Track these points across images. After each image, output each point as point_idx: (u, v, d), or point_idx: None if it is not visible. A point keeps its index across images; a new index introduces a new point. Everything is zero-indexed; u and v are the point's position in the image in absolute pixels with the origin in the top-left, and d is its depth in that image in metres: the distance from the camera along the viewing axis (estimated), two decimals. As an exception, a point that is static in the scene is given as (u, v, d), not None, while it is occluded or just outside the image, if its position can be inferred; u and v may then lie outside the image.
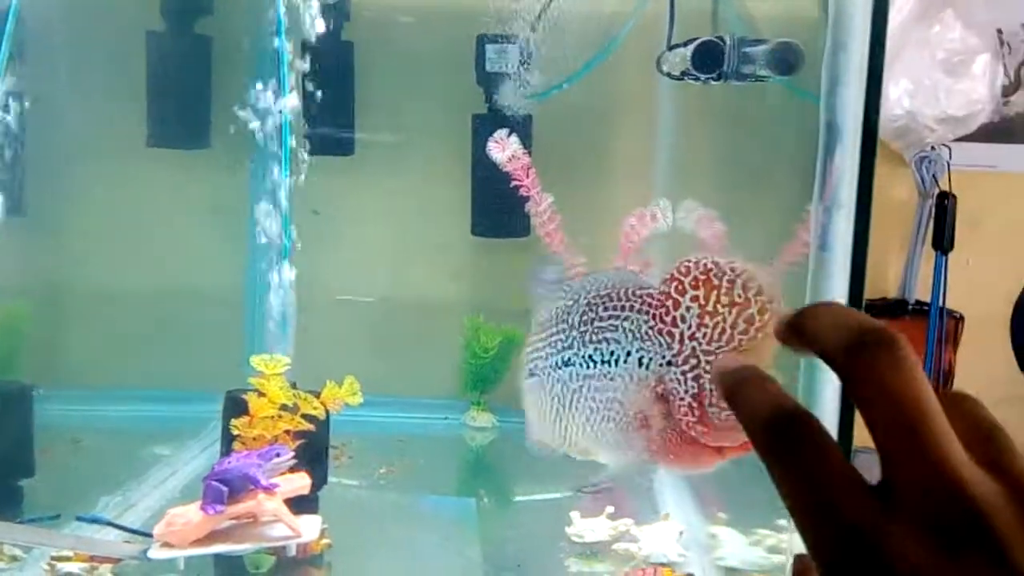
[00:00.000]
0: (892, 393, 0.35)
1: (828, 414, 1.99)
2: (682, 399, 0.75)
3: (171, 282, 2.43)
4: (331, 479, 1.93)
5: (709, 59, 1.55)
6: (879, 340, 0.36)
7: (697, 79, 1.72)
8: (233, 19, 2.45)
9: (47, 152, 2.32)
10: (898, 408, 0.35)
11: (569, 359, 0.80)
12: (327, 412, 1.84)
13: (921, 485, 0.34)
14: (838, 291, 2.00)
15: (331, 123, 2.39)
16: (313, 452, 1.83)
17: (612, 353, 0.78)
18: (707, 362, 0.72)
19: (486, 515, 2.07)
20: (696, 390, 0.73)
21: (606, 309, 0.78)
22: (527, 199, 2.45)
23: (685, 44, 1.76)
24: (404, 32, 2.48)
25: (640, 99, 2.50)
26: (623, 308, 0.78)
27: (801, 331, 0.39)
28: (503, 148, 2.25)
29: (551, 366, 0.82)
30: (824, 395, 1.94)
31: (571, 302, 0.79)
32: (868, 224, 1.93)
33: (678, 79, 1.92)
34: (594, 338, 0.78)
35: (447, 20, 2.53)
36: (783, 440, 0.36)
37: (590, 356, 0.79)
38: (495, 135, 2.24)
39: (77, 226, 2.43)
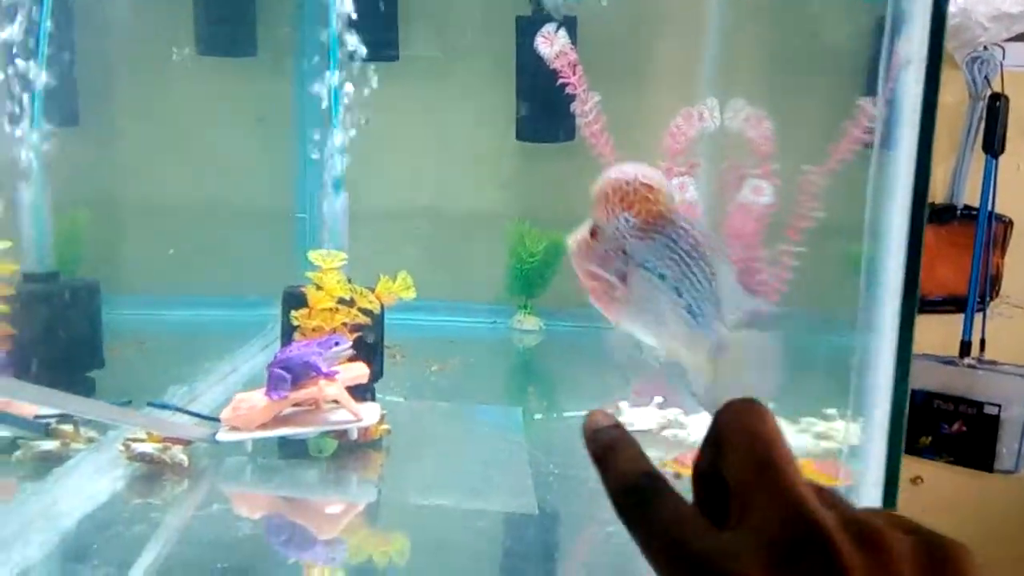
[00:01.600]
0: (747, 433, 0.41)
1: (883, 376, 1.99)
2: None
3: (223, 190, 2.47)
4: (386, 374, 1.98)
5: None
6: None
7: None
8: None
9: (98, 62, 2.35)
10: (751, 444, 0.41)
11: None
12: (382, 307, 1.88)
13: (769, 507, 0.38)
14: (901, 190, 1.99)
15: (375, 28, 2.39)
16: (369, 344, 1.87)
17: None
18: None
19: (535, 411, 2.12)
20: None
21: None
22: (572, 103, 2.45)
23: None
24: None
25: (686, -2, 2.47)
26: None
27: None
28: (551, 43, 2.26)
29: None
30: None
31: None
32: (933, 121, 1.91)
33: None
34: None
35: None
36: (637, 501, 0.42)
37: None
38: (543, 30, 2.24)
39: (129, 135, 2.47)
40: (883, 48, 2.08)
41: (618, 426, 0.47)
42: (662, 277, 0.83)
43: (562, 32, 2.24)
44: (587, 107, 2.33)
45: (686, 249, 0.83)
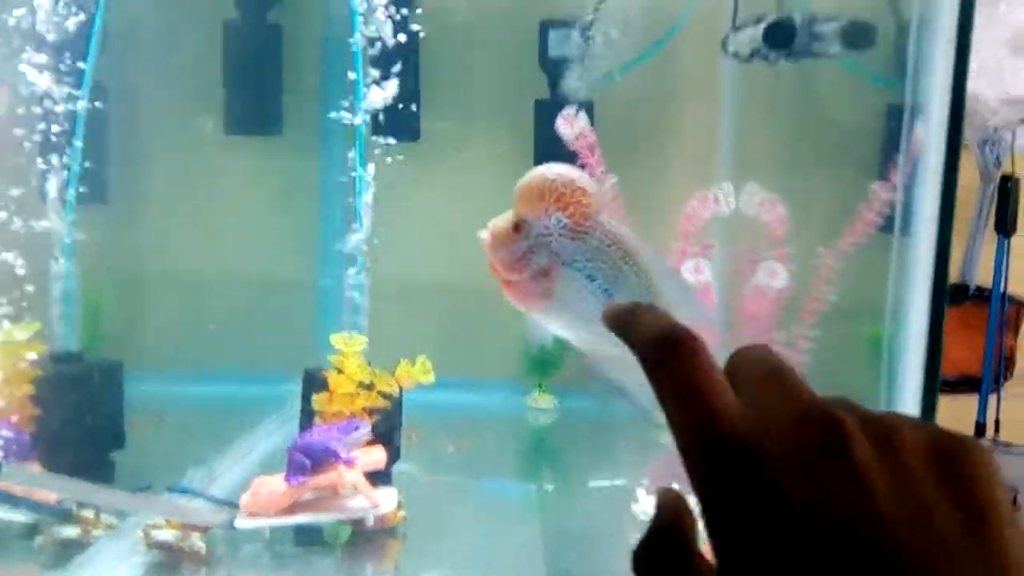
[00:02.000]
0: (758, 355, 0.41)
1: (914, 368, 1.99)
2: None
3: (246, 265, 2.51)
4: (402, 457, 1.99)
5: (781, 37, 1.57)
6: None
7: (766, 59, 1.74)
8: (302, 8, 2.52)
9: (128, 140, 2.41)
10: (763, 358, 0.41)
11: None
12: (401, 390, 1.90)
13: (782, 405, 0.38)
14: (922, 272, 2.01)
15: (398, 109, 2.45)
16: (387, 428, 1.89)
17: None
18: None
19: (548, 495, 2.12)
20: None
21: None
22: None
23: (754, 23, 1.77)
24: (468, 19, 2.52)
25: (702, 82, 2.52)
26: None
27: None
28: (571, 125, 2.32)
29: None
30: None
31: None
32: (953, 204, 1.95)
33: (746, 60, 1.93)
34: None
35: (510, 6, 2.57)
36: (670, 355, 0.39)
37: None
38: (563, 112, 2.30)
39: (157, 211, 2.53)
40: (902, 135, 2.12)
41: (637, 303, 0.45)
42: (590, 278, 0.86)
43: (582, 115, 2.30)
44: (605, 187, 2.38)
45: (617, 252, 0.86)
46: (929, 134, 2.06)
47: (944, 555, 0.34)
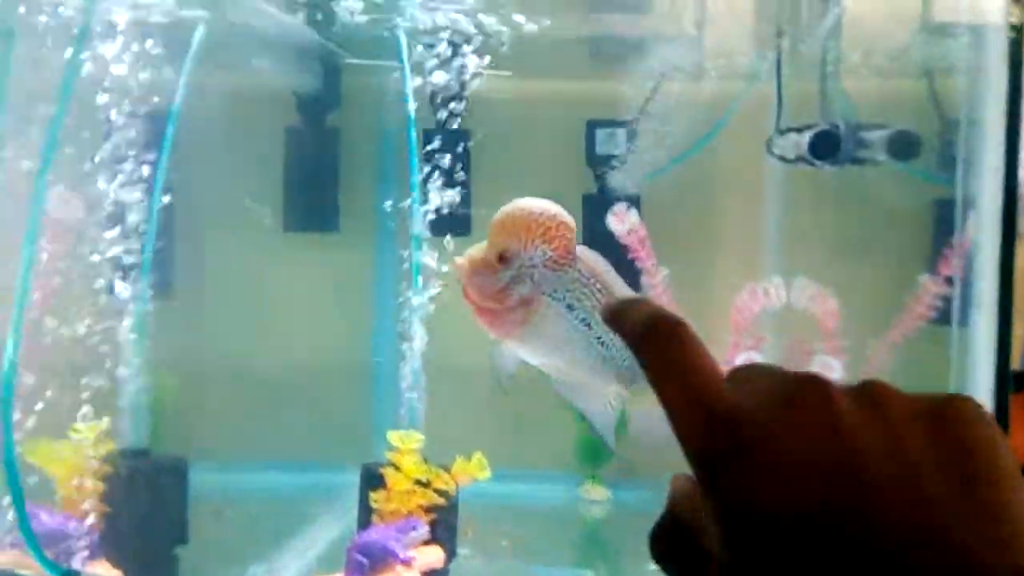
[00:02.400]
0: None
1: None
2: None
3: (304, 357, 2.58)
4: (458, 551, 2.00)
5: (826, 147, 1.61)
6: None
7: (812, 164, 1.78)
8: (358, 112, 2.64)
9: (194, 238, 2.52)
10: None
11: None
12: (457, 487, 1.92)
13: (761, 380, 0.39)
14: (984, 362, 2.01)
15: (449, 205, 2.53)
16: (444, 525, 1.91)
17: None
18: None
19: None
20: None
21: None
22: (639, 274, 2.54)
23: (799, 131, 1.82)
24: (518, 117, 2.62)
25: (748, 176, 2.57)
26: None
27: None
28: (622, 221, 2.37)
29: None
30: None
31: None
32: (1011, 294, 1.95)
33: (791, 163, 1.98)
34: None
35: (558, 106, 2.66)
36: (659, 336, 0.40)
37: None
38: (614, 208, 2.36)
39: (219, 306, 2.62)
40: (954, 229, 2.14)
41: (631, 298, 0.46)
42: (570, 308, 0.88)
43: (632, 211, 2.35)
44: (656, 281, 2.41)
45: (597, 287, 0.88)
46: (982, 226, 2.07)
47: (936, 515, 0.34)
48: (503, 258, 0.88)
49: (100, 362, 2.03)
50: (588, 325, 0.89)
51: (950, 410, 0.37)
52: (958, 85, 2.14)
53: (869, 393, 0.37)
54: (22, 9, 1.97)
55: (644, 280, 2.40)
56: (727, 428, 0.37)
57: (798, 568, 0.34)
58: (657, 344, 0.41)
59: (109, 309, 2.11)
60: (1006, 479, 0.35)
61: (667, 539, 0.42)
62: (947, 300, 2.27)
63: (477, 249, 0.91)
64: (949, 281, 2.25)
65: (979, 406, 0.38)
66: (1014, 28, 1.83)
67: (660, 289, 2.41)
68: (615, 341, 0.90)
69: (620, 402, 0.94)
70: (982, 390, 2.13)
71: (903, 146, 1.53)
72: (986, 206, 2.06)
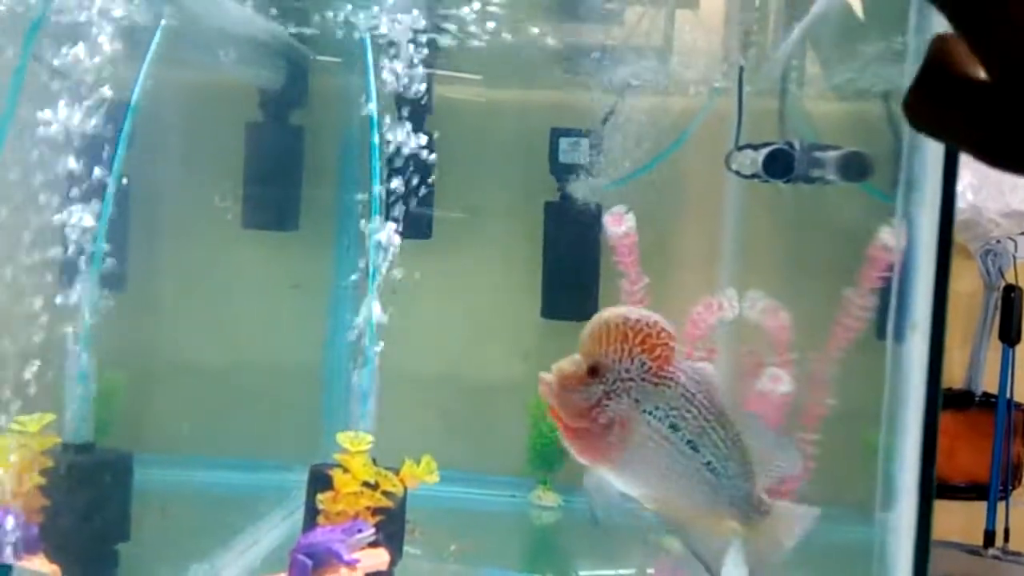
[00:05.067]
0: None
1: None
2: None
3: (257, 356, 2.56)
4: (406, 552, 2.00)
5: (780, 165, 1.64)
6: None
7: (766, 181, 1.81)
8: (325, 111, 2.63)
9: (149, 232, 2.49)
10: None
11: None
12: (405, 490, 1.92)
13: None
14: (915, 380, 2.04)
15: (411, 208, 2.53)
16: (390, 528, 1.90)
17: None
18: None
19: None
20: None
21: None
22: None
23: (755, 148, 1.85)
24: (483, 124, 2.62)
25: (707, 190, 2.60)
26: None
27: None
28: (620, 223, 2.37)
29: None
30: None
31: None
32: (944, 312, 1.98)
33: (747, 178, 2.00)
34: None
35: (522, 113, 2.68)
36: None
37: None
38: (613, 210, 2.36)
39: (172, 301, 2.59)
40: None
41: None
42: (673, 428, 0.78)
43: (631, 215, 2.35)
44: (636, 288, 2.42)
45: (704, 403, 0.79)
46: (919, 244, 2.11)
47: None
48: (595, 370, 0.78)
49: (47, 355, 1.99)
50: (695, 448, 0.78)
51: None
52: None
53: None
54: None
55: (625, 285, 2.40)
56: None
57: None
58: None
59: (60, 303, 2.08)
60: None
61: (925, 93, 0.39)
62: (884, 314, 2.31)
63: (568, 362, 0.81)
64: (873, 293, 2.28)
65: None
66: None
67: (639, 297, 2.41)
68: (728, 468, 0.79)
69: (737, 541, 0.82)
70: (912, 407, 2.16)
71: (854, 167, 1.56)
72: (924, 225, 2.09)
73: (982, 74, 0.37)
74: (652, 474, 0.79)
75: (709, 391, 0.78)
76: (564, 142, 2.52)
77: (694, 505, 0.80)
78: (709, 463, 0.78)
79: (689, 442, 0.78)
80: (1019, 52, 0.35)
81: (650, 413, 0.78)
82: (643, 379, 0.77)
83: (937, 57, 0.40)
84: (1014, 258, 2.82)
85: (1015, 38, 0.35)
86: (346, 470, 1.87)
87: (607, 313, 0.80)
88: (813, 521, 0.87)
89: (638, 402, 0.77)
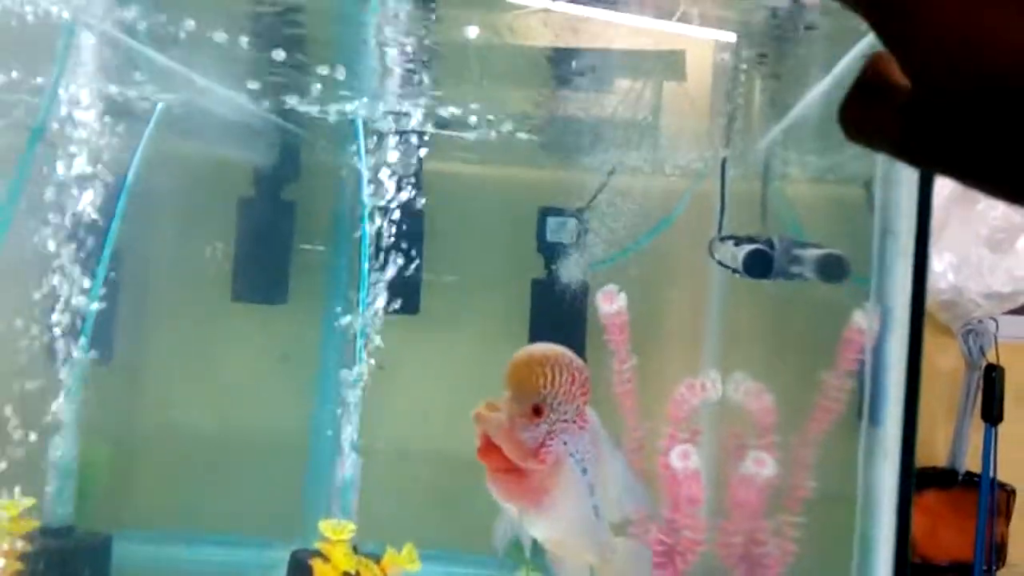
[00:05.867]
0: None
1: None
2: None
3: (243, 429, 2.56)
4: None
5: (759, 266, 1.67)
6: None
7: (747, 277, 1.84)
8: (316, 186, 2.66)
9: (137, 303, 2.50)
10: None
11: None
12: (386, 577, 1.91)
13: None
14: (889, 465, 2.05)
15: (400, 283, 2.55)
16: (371, 617, 1.89)
17: None
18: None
19: None
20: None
21: None
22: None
23: (737, 242, 1.88)
24: (472, 202, 2.66)
25: (691, 271, 2.63)
26: None
27: None
28: (612, 301, 2.39)
29: None
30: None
31: None
32: (917, 393, 2.00)
33: (729, 269, 2.03)
34: None
35: (511, 193, 2.72)
36: None
37: None
38: (605, 288, 2.37)
39: (159, 373, 2.59)
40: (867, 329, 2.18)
41: None
42: (584, 472, 0.76)
43: (623, 295, 2.37)
44: (624, 367, 2.43)
45: (595, 446, 0.77)
46: (893, 327, 2.13)
47: None
48: (539, 410, 0.75)
49: (28, 432, 1.99)
50: (592, 492, 0.77)
51: None
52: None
53: None
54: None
55: (615, 365, 2.41)
56: None
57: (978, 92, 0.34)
58: None
59: (46, 375, 2.09)
60: None
61: (856, 103, 0.41)
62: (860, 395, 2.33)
63: (509, 400, 0.76)
64: (849, 375, 2.30)
65: None
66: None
67: (627, 376, 2.42)
68: (601, 510, 0.78)
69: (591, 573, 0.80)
70: (887, 487, 2.16)
71: (831, 269, 1.60)
72: (897, 308, 2.11)
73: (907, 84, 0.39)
74: (565, 518, 0.78)
75: (596, 433, 0.78)
76: (552, 221, 2.56)
77: (582, 547, 0.80)
78: (595, 506, 0.78)
79: (590, 485, 0.77)
80: (930, 58, 0.37)
81: (572, 456, 0.76)
82: (574, 422, 0.75)
83: (869, 70, 0.43)
84: (995, 338, 2.85)
85: (929, 46, 0.37)
86: (326, 559, 1.86)
87: (548, 351, 0.77)
88: (648, 561, 0.90)
89: (565, 444, 0.75)
